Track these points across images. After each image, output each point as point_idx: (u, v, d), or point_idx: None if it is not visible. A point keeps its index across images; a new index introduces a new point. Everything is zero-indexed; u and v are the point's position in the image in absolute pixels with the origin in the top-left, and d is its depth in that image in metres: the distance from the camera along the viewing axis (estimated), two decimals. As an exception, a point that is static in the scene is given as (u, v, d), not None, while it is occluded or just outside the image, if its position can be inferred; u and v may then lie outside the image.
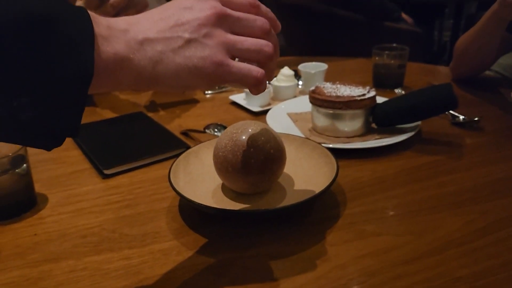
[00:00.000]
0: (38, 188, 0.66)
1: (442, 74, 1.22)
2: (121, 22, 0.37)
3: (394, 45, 1.10)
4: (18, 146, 0.62)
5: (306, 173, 0.65)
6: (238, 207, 0.58)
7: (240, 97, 1.04)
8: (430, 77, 1.20)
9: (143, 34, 0.37)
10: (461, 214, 0.57)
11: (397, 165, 0.71)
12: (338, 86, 0.83)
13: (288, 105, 0.95)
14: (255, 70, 0.40)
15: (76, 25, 0.33)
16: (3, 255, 0.53)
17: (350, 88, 0.81)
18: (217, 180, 0.65)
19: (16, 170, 0.60)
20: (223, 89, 1.14)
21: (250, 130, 0.59)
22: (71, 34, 0.32)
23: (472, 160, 0.72)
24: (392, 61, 1.09)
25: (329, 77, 1.09)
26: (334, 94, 0.78)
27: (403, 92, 1.00)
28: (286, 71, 1.03)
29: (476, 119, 0.84)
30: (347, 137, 0.79)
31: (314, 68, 1.07)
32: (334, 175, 0.59)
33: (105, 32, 0.35)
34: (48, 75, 0.31)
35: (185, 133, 0.86)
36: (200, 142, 0.81)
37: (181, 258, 0.51)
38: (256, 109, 0.96)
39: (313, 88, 0.83)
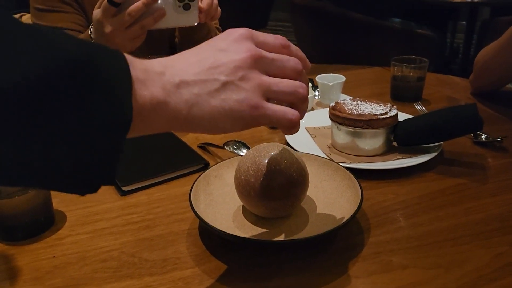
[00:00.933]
0: (55, 204, 0.66)
1: (460, 86, 1.19)
2: (157, 64, 0.36)
3: (414, 56, 1.08)
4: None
5: (328, 197, 0.64)
6: (259, 232, 0.57)
7: (256, 108, 1.02)
8: (448, 89, 1.18)
9: (180, 77, 0.36)
10: (490, 246, 0.55)
11: (420, 188, 0.69)
12: (359, 102, 0.81)
13: (306, 118, 0.93)
14: (290, 112, 0.40)
15: (114, 69, 0.32)
16: (21, 280, 0.53)
17: (371, 105, 0.80)
18: (238, 201, 0.63)
19: (36, 189, 0.59)
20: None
21: (272, 153, 0.57)
22: (110, 78, 0.31)
23: (498, 184, 0.70)
24: (411, 73, 1.07)
25: (346, 87, 1.08)
26: (355, 112, 0.77)
27: (423, 108, 0.98)
28: (303, 82, 1.01)
29: (499, 139, 0.82)
30: (368, 156, 0.77)
31: (331, 79, 1.06)
32: (358, 202, 0.57)
33: (142, 76, 0.34)
34: (88, 123, 0.30)
35: (202, 147, 0.85)
36: (218, 157, 0.81)
37: (203, 287, 0.50)
38: (273, 122, 0.95)
39: (333, 104, 0.82)
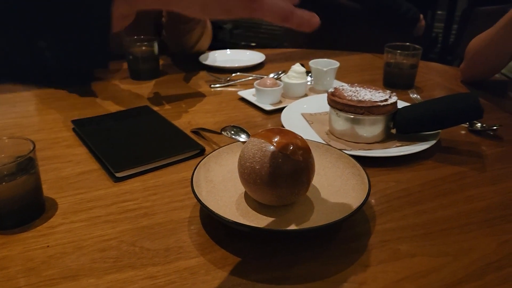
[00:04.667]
0: (45, 191, 0.62)
1: (449, 74, 1.20)
2: None
3: (407, 44, 1.07)
4: (26, 148, 0.57)
5: (331, 184, 0.62)
6: (265, 220, 0.55)
7: (249, 93, 1.00)
8: (438, 77, 1.18)
9: None
10: (494, 234, 0.56)
11: (421, 175, 0.69)
12: (358, 89, 0.80)
13: (301, 105, 0.92)
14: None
15: None
16: (13, 271, 0.49)
17: (370, 91, 0.79)
18: (239, 189, 0.62)
19: (25, 175, 0.56)
20: (230, 83, 1.10)
21: (277, 139, 0.55)
22: None
23: (496, 173, 0.70)
24: (404, 61, 1.06)
25: (337, 74, 1.06)
26: (355, 98, 0.76)
27: (418, 96, 0.97)
28: (297, 67, 1.00)
29: (494, 127, 0.83)
30: (367, 143, 0.76)
31: (325, 65, 1.04)
32: (365, 190, 0.56)
33: None
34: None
35: (195, 132, 0.82)
36: (214, 142, 0.78)
37: (211, 278, 0.48)
38: (267, 107, 0.93)
39: (332, 90, 0.80)
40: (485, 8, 2.51)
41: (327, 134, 0.81)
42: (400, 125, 0.76)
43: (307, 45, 2.33)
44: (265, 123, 0.88)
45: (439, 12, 3.52)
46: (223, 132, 0.74)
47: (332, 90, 0.80)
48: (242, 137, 0.71)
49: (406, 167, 0.71)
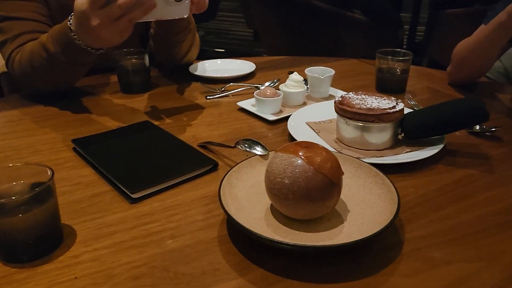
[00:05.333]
0: (59, 218, 0.59)
1: (437, 77, 1.24)
2: None
3: (398, 50, 1.09)
4: (42, 175, 0.54)
5: (355, 194, 0.63)
6: (300, 236, 0.55)
7: (248, 104, 0.99)
8: (426, 81, 1.21)
9: None
10: (519, 235, 0.57)
11: (435, 180, 0.70)
12: (364, 96, 0.81)
13: (304, 113, 0.92)
14: None
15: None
16: (46, 307, 0.46)
17: (376, 99, 0.80)
18: (264, 204, 0.61)
19: (43, 204, 0.53)
20: (226, 93, 1.08)
21: (307, 153, 0.55)
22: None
23: (504, 174, 0.73)
24: (396, 66, 1.09)
25: (332, 80, 1.07)
26: (364, 106, 0.76)
27: (414, 102, 0.99)
28: (295, 76, 1.00)
29: (493, 129, 0.86)
30: (377, 150, 0.77)
31: (321, 73, 1.05)
32: (393, 199, 0.57)
33: None
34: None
35: (202, 146, 0.81)
36: (224, 156, 0.77)
37: (255, 300, 0.47)
38: (270, 117, 0.92)
39: (339, 99, 0.81)
40: (451, 10, 2.62)
41: (336, 142, 0.81)
42: (408, 131, 0.78)
43: (285, 50, 2.35)
44: (271, 134, 0.88)
45: (402, 14, 3.64)
46: (237, 146, 0.73)
47: (339, 99, 0.81)
48: (258, 150, 0.70)
49: (418, 172, 0.73)
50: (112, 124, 0.91)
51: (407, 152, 0.76)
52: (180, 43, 1.15)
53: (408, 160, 0.72)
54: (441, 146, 0.76)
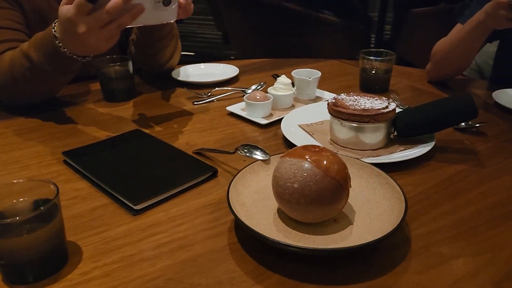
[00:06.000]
0: (61, 234, 0.57)
1: (415, 76, 1.27)
2: None
3: (381, 50, 1.12)
4: (46, 192, 0.52)
5: (359, 195, 0.63)
6: (312, 240, 0.55)
7: (237, 108, 0.99)
8: (406, 79, 1.24)
9: None
10: (517, 227, 0.60)
11: (431, 177, 0.73)
12: (356, 97, 0.82)
13: (295, 116, 0.93)
14: None
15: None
16: (62, 328, 0.45)
17: (368, 99, 0.81)
18: (271, 209, 0.61)
19: (49, 223, 0.51)
20: (212, 98, 1.08)
21: (315, 156, 0.56)
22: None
23: (494, 167, 0.76)
24: (379, 66, 1.11)
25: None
26: (358, 107, 0.78)
27: (399, 101, 1.02)
28: (284, 79, 1.00)
29: (477, 124, 0.89)
30: (372, 149, 0.79)
31: (307, 75, 1.06)
32: (399, 198, 0.58)
33: None
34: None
35: (198, 153, 0.80)
36: (222, 162, 0.76)
37: (276, 306, 0.47)
38: (262, 121, 0.93)
39: (332, 100, 0.82)
40: (418, 9, 2.71)
41: (330, 143, 0.82)
42: (401, 130, 0.80)
43: (257, 52, 2.36)
44: (264, 138, 0.88)
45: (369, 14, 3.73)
46: (238, 152, 0.73)
47: (333, 101, 0.82)
48: (258, 154, 0.70)
49: (413, 170, 0.75)
50: (100, 134, 0.89)
51: (401, 150, 0.78)
52: (163, 49, 1.13)
53: (405, 158, 0.74)
54: (432, 143, 0.79)
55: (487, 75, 1.33)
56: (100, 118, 0.98)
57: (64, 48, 0.82)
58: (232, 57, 3.79)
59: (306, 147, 0.58)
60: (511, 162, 0.77)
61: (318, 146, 0.59)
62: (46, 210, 0.49)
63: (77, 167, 0.74)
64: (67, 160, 0.77)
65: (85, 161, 0.75)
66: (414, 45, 2.77)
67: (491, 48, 1.29)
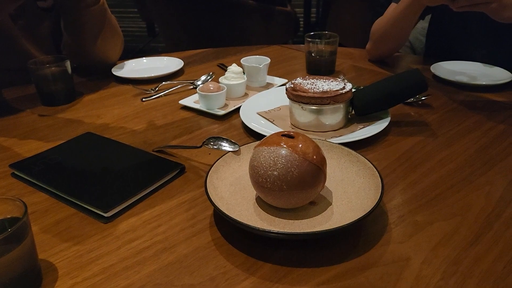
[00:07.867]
0: (28, 253, 0.52)
1: (357, 55, 1.32)
2: None
3: (326, 32, 1.14)
4: (17, 211, 0.47)
5: (332, 175, 0.64)
6: (298, 225, 0.55)
7: (190, 101, 0.96)
8: (349, 59, 1.28)
9: None
10: (478, 188, 0.64)
11: (391, 151, 0.76)
12: (313, 80, 0.83)
13: (251, 104, 0.92)
14: None
15: None
16: None
17: (324, 81, 0.83)
18: (249, 200, 0.60)
19: (19, 245, 0.46)
20: (161, 94, 1.04)
21: (291, 142, 0.56)
22: None
23: (446, 136, 0.81)
24: (324, 48, 1.14)
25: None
26: (317, 90, 0.79)
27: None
28: (235, 68, 0.99)
29: (423, 98, 0.94)
30: (333, 130, 0.81)
31: (257, 62, 1.06)
32: (373, 174, 0.60)
33: None
34: None
35: (159, 150, 0.77)
36: (186, 158, 0.74)
37: (275, 295, 0.47)
38: (218, 112, 0.91)
39: (290, 85, 0.82)
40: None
41: (292, 128, 0.83)
42: (359, 108, 0.82)
43: (186, 43, 2.30)
44: (225, 129, 0.86)
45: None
46: (205, 146, 0.71)
47: (291, 85, 0.82)
48: (227, 146, 0.69)
49: (374, 146, 0.77)
50: (49, 141, 0.82)
51: (361, 128, 0.81)
52: (92, 24, 1.05)
53: (367, 135, 0.77)
54: (388, 119, 0.82)
55: (418, 51, 1.41)
56: (42, 124, 0.90)
57: None
58: (160, 50, 3.67)
59: (279, 134, 0.58)
60: (459, 130, 0.83)
61: (290, 132, 0.59)
62: (17, 230, 0.44)
63: (29, 179, 0.68)
64: (16, 172, 0.70)
65: (38, 171, 0.69)
66: (342, 26, 2.87)
67: (420, 24, 1.36)
